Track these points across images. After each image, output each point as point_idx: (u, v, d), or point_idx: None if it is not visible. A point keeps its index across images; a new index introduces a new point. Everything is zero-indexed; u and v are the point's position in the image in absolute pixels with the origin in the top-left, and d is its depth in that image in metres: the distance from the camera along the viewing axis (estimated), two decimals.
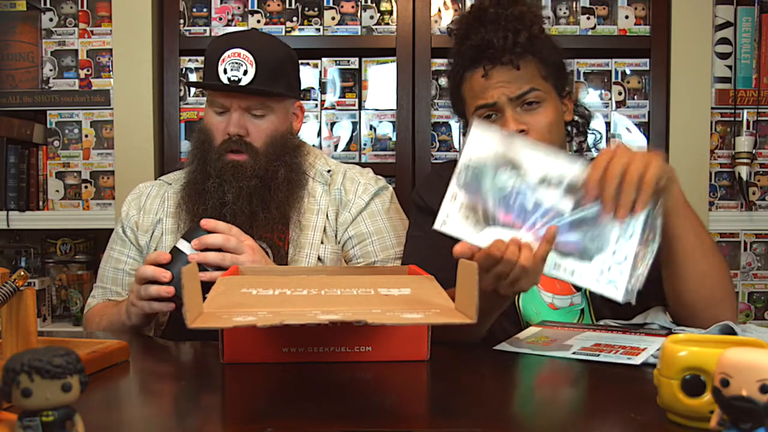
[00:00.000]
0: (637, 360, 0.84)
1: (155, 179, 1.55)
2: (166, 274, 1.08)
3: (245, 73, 1.27)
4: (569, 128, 1.27)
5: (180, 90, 1.91)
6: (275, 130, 1.31)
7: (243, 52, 1.28)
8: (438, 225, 0.94)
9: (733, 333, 0.88)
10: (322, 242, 1.31)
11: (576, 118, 1.27)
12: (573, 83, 1.89)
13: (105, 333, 1.24)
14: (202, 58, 1.88)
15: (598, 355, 0.87)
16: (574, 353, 0.89)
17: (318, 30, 1.89)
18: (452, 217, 0.94)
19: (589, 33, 1.89)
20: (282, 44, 1.35)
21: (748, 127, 1.89)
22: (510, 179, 0.93)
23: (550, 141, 1.15)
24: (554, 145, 1.16)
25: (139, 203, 1.40)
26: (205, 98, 1.89)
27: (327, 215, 1.34)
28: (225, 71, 1.27)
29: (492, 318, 1.02)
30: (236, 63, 1.27)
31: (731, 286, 1.05)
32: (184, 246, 1.11)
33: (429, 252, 1.15)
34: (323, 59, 1.91)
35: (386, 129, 1.92)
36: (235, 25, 1.91)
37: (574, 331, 1.01)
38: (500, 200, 0.92)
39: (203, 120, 1.35)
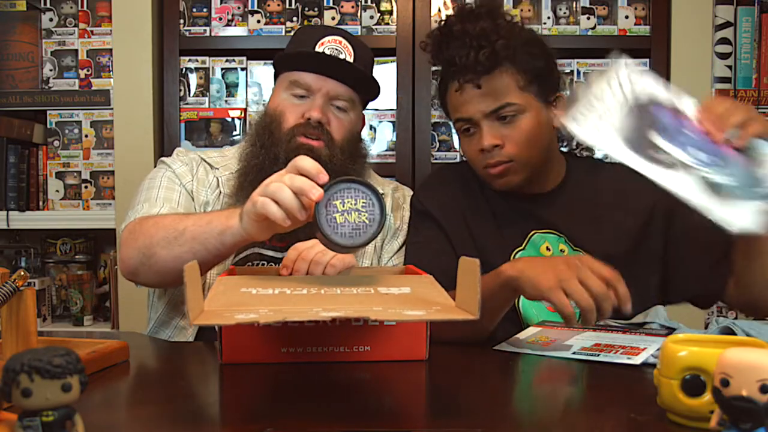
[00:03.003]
0: (637, 360, 0.84)
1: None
2: (316, 191, 0.82)
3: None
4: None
5: (180, 90, 1.91)
6: (353, 130, 1.26)
7: (343, 41, 1.24)
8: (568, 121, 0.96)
9: (733, 333, 0.88)
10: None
11: None
12: (573, 83, 1.89)
13: (166, 245, 1.03)
14: (203, 58, 1.91)
15: (598, 355, 0.87)
16: (574, 353, 0.89)
17: None
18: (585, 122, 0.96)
19: (589, 33, 1.89)
20: (369, 48, 1.32)
21: None
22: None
23: (530, 152, 1.13)
24: (538, 154, 1.15)
25: (192, 168, 1.26)
26: (206, 98, 1.91)
27: (375, 242, 1.26)
28: (324, 53, 1.21)
29: (500, 316, 1.03)
30: (336, 49, 1.22)
31: None
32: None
33: (429, 258, 1.15)
34: None
35: (386, 129, 1.92)
36: (235, 25, 1.91)
37: (574, 331, 1.01)
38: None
39: (270, 104, 1.27)
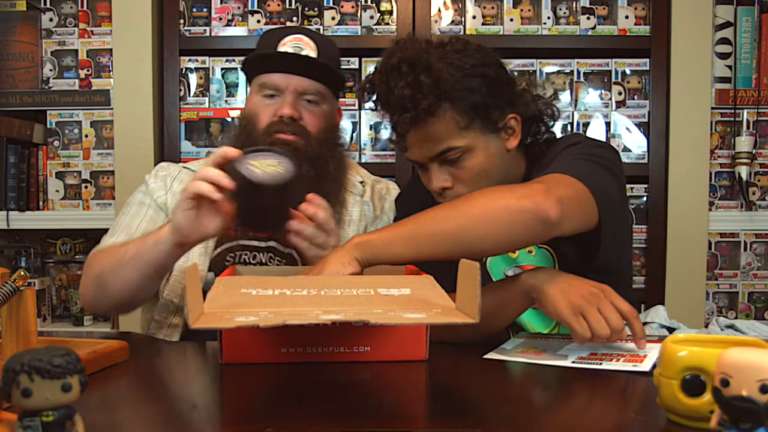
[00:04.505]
0: (645, 366, 0.83)
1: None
2: (226, 182, 0.95)
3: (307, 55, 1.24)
4: (540, 127, 1.20)
5: (180, 90, 1.91)
6: (328, 120, 1.27)
7: (304, 38, 1.25)
8: None
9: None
10: None
11: (545, 118, 1.18)
12: (572, 83, 1.89)
13: (113, 270, 1.10)
14: (203, 58, 1.91)
15: (600, 363, 0.86)
16: (573, 362, 0.88)
17: (318, 30, 1.89)
18: None
19: (589, 33, 1.89)
20: (333, 42, 1.33)
21: (748, 127, 1.90)
22: None
23: (480, 187, 1.06)
24: (494, 181, 1.10)
25: (166, 183, 1.30)
26: (206, 98, 1.91)
27: (358, 229, 1.30)
28: (286, 52, 1.23)
29: (511, 321, 1.03)
30: (298, 46, 1.23)
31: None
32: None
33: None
34: None
35: (386, 129, 1.92)
36: (235, 25, 1.91)
37: (560, 341, 1.00)
38: None
39: (246, 107, 1.30)
